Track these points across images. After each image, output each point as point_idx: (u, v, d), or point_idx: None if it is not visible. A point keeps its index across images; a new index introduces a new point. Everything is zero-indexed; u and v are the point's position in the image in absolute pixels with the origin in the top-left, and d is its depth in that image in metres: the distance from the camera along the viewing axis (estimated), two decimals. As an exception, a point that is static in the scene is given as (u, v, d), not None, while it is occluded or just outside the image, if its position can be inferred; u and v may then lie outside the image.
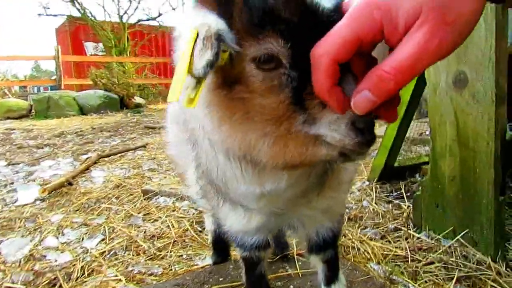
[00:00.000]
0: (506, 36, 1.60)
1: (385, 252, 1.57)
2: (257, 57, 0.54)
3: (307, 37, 0.53)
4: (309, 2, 0.55)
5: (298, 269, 1.38)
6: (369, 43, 0.50)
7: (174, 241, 1.80)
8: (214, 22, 0.51)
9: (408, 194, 2.21)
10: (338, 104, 0.52)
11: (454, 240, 1.53)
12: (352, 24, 0.49)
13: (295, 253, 1.46)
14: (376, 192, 2.30)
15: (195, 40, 0.49)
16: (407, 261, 1.49)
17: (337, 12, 0.55)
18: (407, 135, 3.71)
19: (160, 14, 16.79)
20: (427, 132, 3.56)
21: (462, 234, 1.52)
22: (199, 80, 0.49)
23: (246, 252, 0.95)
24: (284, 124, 0.56)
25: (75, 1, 14.09)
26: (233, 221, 0.85)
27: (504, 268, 1.39)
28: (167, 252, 1.69)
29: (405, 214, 1.94)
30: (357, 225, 1.87)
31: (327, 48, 0.50)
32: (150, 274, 1.52)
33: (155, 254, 1.68)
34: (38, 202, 2.44)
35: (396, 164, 2.53)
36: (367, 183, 2.49)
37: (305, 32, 0.54)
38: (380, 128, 3.30)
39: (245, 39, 0.54)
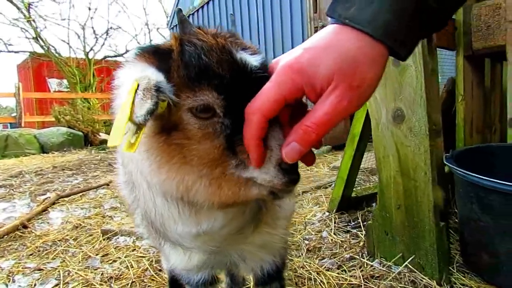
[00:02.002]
0: (436, 73, 1.78)
1: (340, 282, 1.61)
2: (194, 107, 0.61)
3: (238, 90, 0.61)
4: (239, 61, 0.63)
5: (254, 304, 1.40)
6: (292, 100, 0.60)
7: (133, 282, 1.76)
8: (153, 74, 0.57)
9: (365, 223, 2.30)
10: (257, 159, 0.60)
11: (403, 266, 1.61)
12: (278, 86, 0.59)
13: None
14: (334, 222, 2.38)
15: (136, 91, 0.54)
16: (361, 290, 1.55)
17: (263, 69, 0.64)
18: (366, 166, 3.88)
19: (127, 51, 16.90)
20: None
21: (409, 260, 1.60)
22: (139, 127, 0.54)
23: (194, 290, 0.97)
24: (219, 167, 0.62)
25: (38, 38, 13.97)
26: (175, 260, 0.87)
27: (448, 291, 1.47)
28: (124, 294, 1.66)
29: (361, 243, 2.02)
30: (315, 256, 1.92)
31: (258, 106, 0.58)
32: (105, 319, 1.48)
33: (111, 297, 1.64)
34: (-12, 248, 2.32)
35: (353, 195, 2.63)
36: (327, 214, 2.56)
37: (236, 86, 0.61)
38: (336, 162, 3.43)
39: (182, 90, 0.61)
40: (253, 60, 0.64)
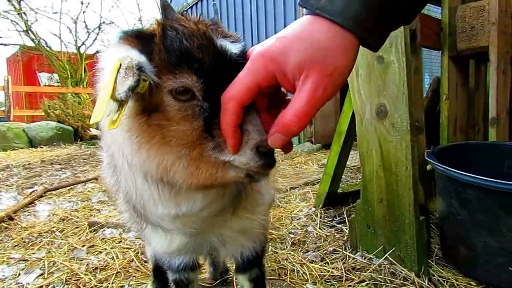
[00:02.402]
0: (420, 72, 1.83)
1: (322, 273, 1.65)
2: (174, 89, 0.63)
3: (217, 75, 0.63)
4: (219, 47, 0.65)
5: (237, 293, 1.43)
6: (267, 87, 0.62)
7: (117, 272, 1.77)
8: (136, 55, 0.59)
9: (350, 218, 2.34)
10: (233, 146, 0.62)
11: (383, 258, 1.65)
12: (252, 73, 0.61)
13: (234, 277, 1.50)
14: (320, 217, 2.41)
15: (118, 69, 0.56)
16: (342, 281, 1.58)
17: (242, 56, 0.66)
18: (353, 163, 3.94)
19: (119, 46, 16.76)
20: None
21: (389, 252, 1.64)
22: (121, 104, 0.56)
23: (176, 275, 1.00)
24: (197, 149, 0.64)
25: (29, 31, 13.78)
26: (156, 243, 0.89)
27: (426, 283, 1.51)
28: (109, 283, 1.67)
29: (345, 237, 2.06)
30: (299, 249, 1.95)
31: (233, 94, 0.61)
32: (89, 307, 1.49)
33: (95, 286, 1.65)
34: (-27, 238, 2.31)
35: (340, 191, 2.67)
36: (313, 209, 2.60)
37: (215, 71, 0.63)
38: (326, 160, 3.46)
39: (163, 73, 0.62)
40: (233, 47, 0.66)
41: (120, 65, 0.56)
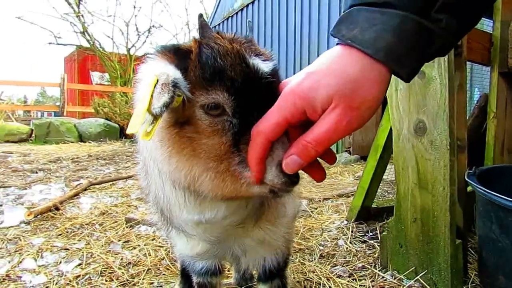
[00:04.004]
0: (464, 89, 1.75)
1: (349, 290, 1.62)
2: (206, 104, 0.66)
3: (248, 93, 0.66)
4: (251, 66, 0.67)
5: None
6: (296, 122, 0.63)
7: (148, 269, 1.85)
8: (172, 71, 0.63)
9: (382, 235, 2.27)
10: (256, 176, 0.65)
11: (414, 280, 1.58)
12: (281, 110, 0.62)
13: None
14: (352, 231, 2.36)
15: (155, 85, 0.60)
16: (368, 299, 1.54)
17: (273, 76, 0.68)
18: (391, 177, 3.81)
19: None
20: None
21: (421, 274, 1.58)
22: (155, 118, 0.59)
23: (199, 278, 1.03)
24: (224, 163, 0.67)
25: (85, 33, 14.72)
26: (180, 246, 0.93)
27: (459, 310, 1.44)
28: (140, 279, 1.74)
29: (376, 254, 2.00)
30: (328, 262, 1.92)
31: (262, 129, 0.63)
32: (120, 300, 1.56)
33: (127, 280, 1.72)
34: (22, 225, 2.49)
35: (374, 205, 2.60)
36: (345, 222, 2.55)
37: (246, 89, 0.66)
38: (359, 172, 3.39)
39: (196, 88, 0.66)
40: (265, 66, 0.68)
41: (157, 80, 0.60)
